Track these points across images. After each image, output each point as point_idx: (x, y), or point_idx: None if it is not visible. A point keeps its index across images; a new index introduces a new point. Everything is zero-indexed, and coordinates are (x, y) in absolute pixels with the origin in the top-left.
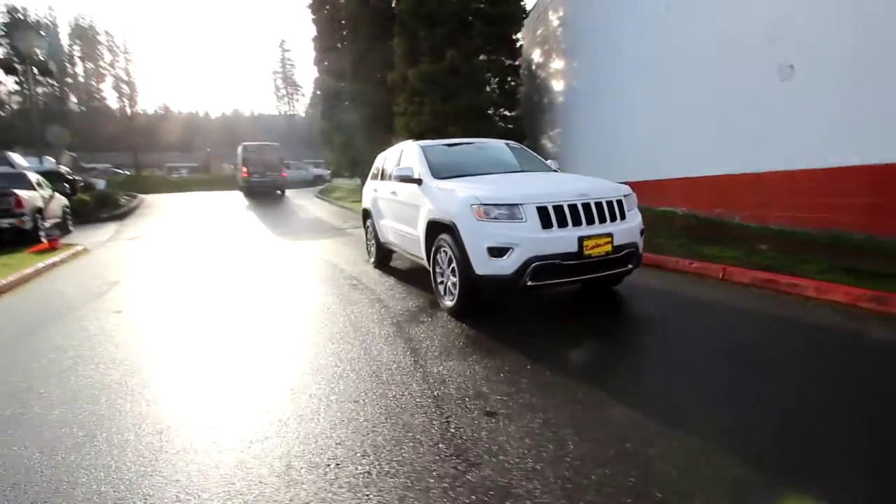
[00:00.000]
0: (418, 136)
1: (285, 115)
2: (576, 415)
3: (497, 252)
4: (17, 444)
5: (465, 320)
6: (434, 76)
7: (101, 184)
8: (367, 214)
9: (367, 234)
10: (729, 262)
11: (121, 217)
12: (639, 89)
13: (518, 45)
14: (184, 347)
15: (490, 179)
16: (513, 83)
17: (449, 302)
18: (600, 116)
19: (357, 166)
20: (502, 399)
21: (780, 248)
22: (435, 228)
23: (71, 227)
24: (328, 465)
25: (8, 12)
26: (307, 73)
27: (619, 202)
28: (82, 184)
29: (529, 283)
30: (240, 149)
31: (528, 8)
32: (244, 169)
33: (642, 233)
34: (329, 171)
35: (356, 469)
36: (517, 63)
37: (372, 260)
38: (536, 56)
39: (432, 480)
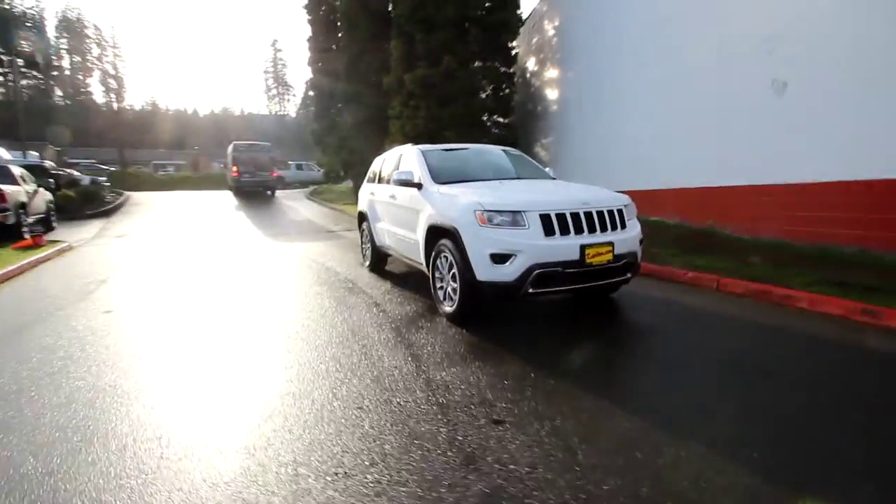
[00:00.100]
0: (413, 140)
1: (276, 115)
2: (583, 423)
3: (500, 258)
4: (9, 449)
5: (465, 326)
6: (430, 81)
7: (86, 179)
8: (363, 217)
9: (362, 237)
10: (722, 273)
11: (106, 214)
12: (632, 100)
13: (513, 52)
14: (178, 350)
15: (491, 185)
16: (507, 90)
17: (448, 308)
18: (594, 126)
19: (351, 168)
20: (508, 407)
21: (771, 261)
22: (435, 233)
23: (55, 224)
24: (336, 474)
25: None
26: (299, 74)
27: (620, 211)
28: (79, 177)
29: (531, 291)
30: (230, 148)
31: (524, 16)
32: (234, 168)
33: (641, 242)
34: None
35: (366, 478)
36: (512, 71)
37: (367, 263)
38: (531, 64)
39: (444, 490)
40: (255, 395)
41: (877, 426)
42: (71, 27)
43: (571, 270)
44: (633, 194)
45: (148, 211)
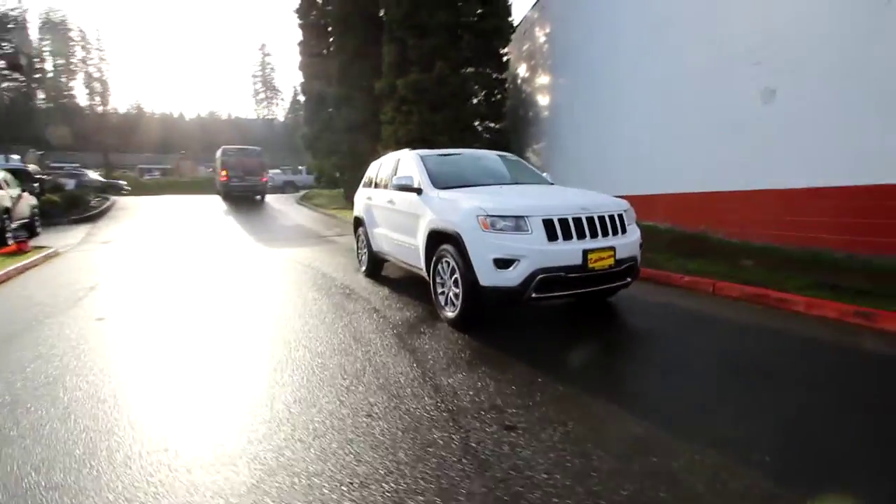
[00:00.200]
0: (406, 145)
1: (264, 119)
2: (595, 428)
3: (503, 263)
4: (8, 462)
5: (467, 331)
6: (422, 86)
7: (70, 184)
8: (358, 223)
9: (358, 242)
10: (717, 277)
11: (92, 219)
12: (624, 107)
13: (505, 59)
14: (178, 358)
15: (492, 191)
16: (499, 96)
17: (450, 313)
18: (585, 132)
19: (342, 173)
20: (519, 412)
21: (764, 265)
22: (436, 238)
23: (39, 229)
24: (352, 483)
25: None
26: (287, 78)
27: (620, 216)
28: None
29: (534, 296)
30: (219, 152)
31: (515, 24)
32: (223, 172)
33: (640, 247)
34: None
35: (382, 487)
36: (503, 76)
37: (363, 269)
38: (522, 70)
39: (462, 498)
40: (262, 404)
41: (879, 426)
42: (55, 29)
43: (574, 275)
44: (625, 199)
45: (135, 216)
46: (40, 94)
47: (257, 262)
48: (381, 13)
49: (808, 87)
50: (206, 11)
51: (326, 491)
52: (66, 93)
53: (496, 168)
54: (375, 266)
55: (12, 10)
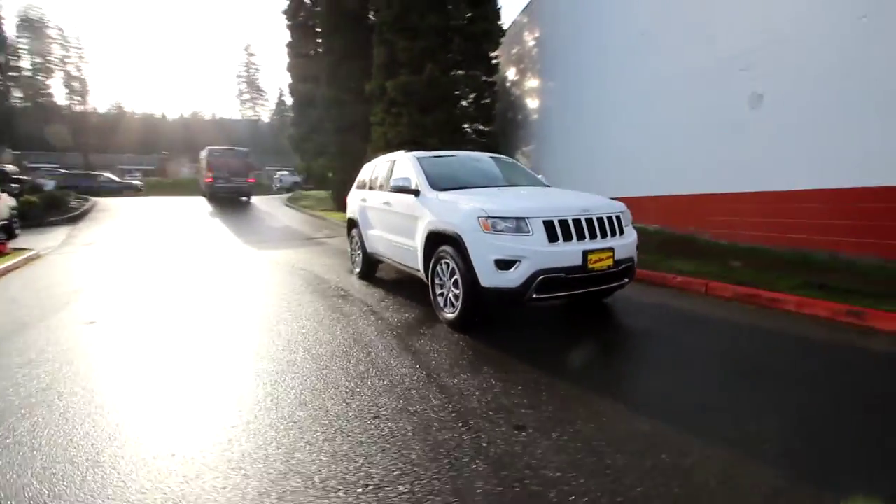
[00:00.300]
0: (397, 147)
1: (248, 119)
2: (603, 427)
3: (504, 264)
4: (8, 472)
5: (467, 332)
6: (412, 88)
7: (50, 185)
8: (352, 224)
9: (351, 244)
10: (708, 278)
11: (72, 221)
12: (614, 110)
13: (494, 62)
14: (175, 362)
15: (490, 192)
16: (489, 99)
17: (450, 314)
18: (575, 135)
19: (331, 174)
20: (526, 412)
21: (752, 265)
22: (435, 240)
23: (17, 231)
24: (367, 486)
25: None
26: (272, 79)
27: (618, 218)
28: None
29: (535, 296)
30: (204, 152)
31: (505, 27)
32: (208, 173)
33: (637, 248)
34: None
35: (397, 489)
36: (493, 80)
37: (357, 270)
38: (511, 74)
39: (480, 498)
40: (267, 407)
41: (878, 422)
42: (32, 27)
43: (574, 276)
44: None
45: (117, 217)
46: (17, 93)
47: (247, 265)
48: (371, 15)
49: (792, 92)
50: (188, 10)
51: (342, 493)
52: (43, 91)
53: (492, 170)
54: (370, 268)
55: None
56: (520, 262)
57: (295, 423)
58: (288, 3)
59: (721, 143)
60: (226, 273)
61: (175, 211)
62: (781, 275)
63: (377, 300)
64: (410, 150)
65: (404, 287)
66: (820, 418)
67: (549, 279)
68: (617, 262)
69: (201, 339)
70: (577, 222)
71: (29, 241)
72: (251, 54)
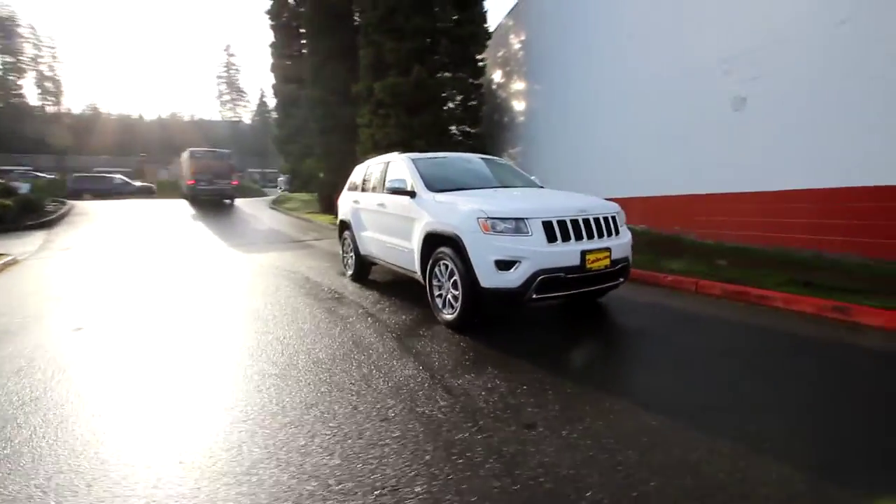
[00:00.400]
0: (385, 149)
1: (229, 121)
2: (611, 424)
3: (504, 265)
4: (10, 483)
5: (466, 333)
6: (400, 90)
7: (24, 187)
8: (344, 226)
9: (343, 246)
10: (697, 276)
11: (48, 225)
12: (599, 111)
13: (481, 64)
14: (171, 368)
15: (487, 194)
16: (475, 101)
17: (448, 315)
18: (561, 136)
19: (316, 176)
20: (535, 411)
21: (738, 264)
22: (433, 241)
23: None
24: (384, 488)
25: None
26: (253, 79)
27: (614, 218)
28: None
29: (535, 296)
30: (185, 154)
31: (491, 30)
32: (190, 175)
33: (631, 248)
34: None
35: (415, 490)
36: (480, 82)
37: (350, 273)
38: (497, 76)
39: (498, 496)
40: (273, 412)
41: (876, 414)
42: (2, 25)
43: (573, 276)
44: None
45: (95, 221)
46: None
47: (235, 268)
48: (356, 16)
49: (775, 95)
50: (165, 8)
51: (360, 495)
52: (15, 92)
53: (486, 171)
54: (363, 270)
55: None
56: (520, 262)
57: (303, 427)
58: (271, 3)
59: (706, 144)
60: (214, 277)
61: (155, 214)
62: (767, 273)
63: (372, 302)
64: (402, 152)
65: (398, 289)
66: (818, 411)
67: (548, 279)
68: (613, 262)
69: (195, 345)
70: (574, 223)
71: (4, 245)
72: (231, 55)
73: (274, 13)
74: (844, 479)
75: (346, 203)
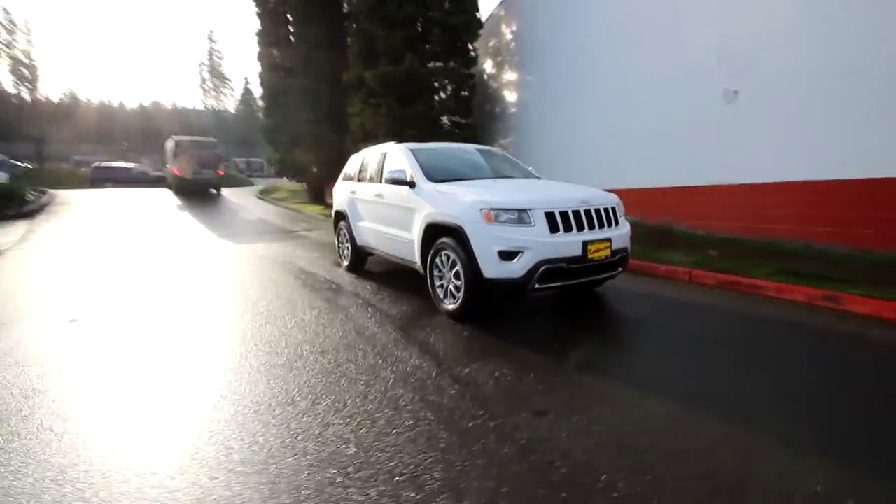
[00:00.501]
0: (376, 138)
1: (212, 109)
2: (620, 410)
3: (507, 255)
4: (26, 475)
5: (468, 323)
6: (392, 79)
7: (2, 177)
8: (340, 217)
9: (339, 236)
10: (690, 267)
11: (30, 215)
12: (591, 102)
13: (472, 54)
14: (174, 360)
15: (487, 184)
16: (467, 91)
17: (450, 305)
18: (553, 127)
19: (305, 166)
20: (543, 398)
21: (728, 254)
22: (434, 231)
23: None
24: (402, 474)
25: None
26: (237, 67)
27: (614, 209)
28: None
29: (537, 286)
30: (170, 143)
31: (483, 19)
32: (175, 165)
33: (630, 238)
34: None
35: (434, 476)
36: (471, 72)
37: (345, 263)
38: (488, 66)
39: (517, 480)
40: (284, 402)
41: (875, 403)
42: None
43: (575, 266)
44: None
45: (77, 211)
46: None
47: (228, 259)
48: (345, 2)
49: (764, 88)
50: None
51: (381, 482)
52: None
53: (484, 162)
54: (359, 260)
55: None
56: (523, 252)
57: (316, 417)
58: None
59: (697, 136)
60: (206, 269)
61: (140, 204)
62: (757, 263)
63: (371, 292)
64: (399, 141)
65: (395, 279)
66: (818, 396)
67: (550, 269)
68: (614, 252)
69: (196, 337)
70: (576, 213)
71: None
72: (214, 41)
73: (260, 0)
74: (845, 460)
75: (342, 193)
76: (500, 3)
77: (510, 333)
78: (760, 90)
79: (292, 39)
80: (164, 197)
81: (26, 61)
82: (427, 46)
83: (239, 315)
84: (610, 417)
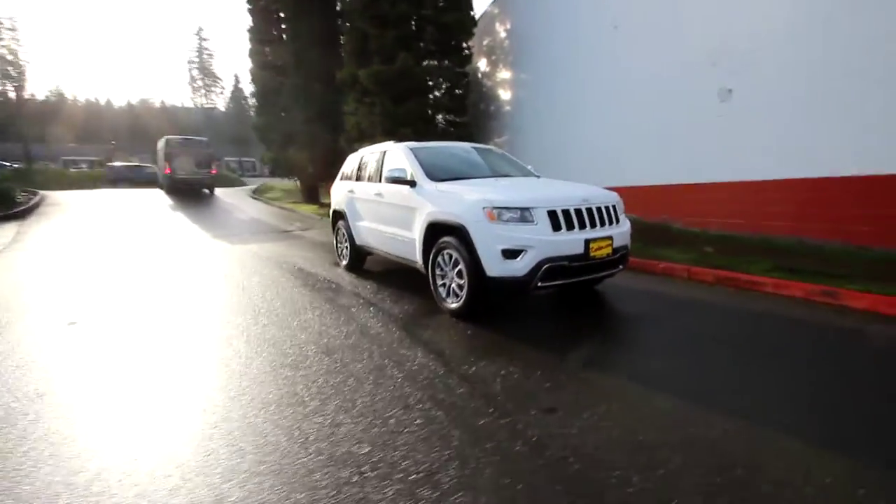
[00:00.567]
0: (371, 138)
1: (202, 108)
2: (628, 407)
3: (511, 254)
4: (40, 475)
5: (471, 322)
6: (386, 77)
7: None
8: (338, 216)
9: (337, 236)
10: (688, 263)
11: (19, 216)
12: (586, 100)
13: (466, 52)
14: (179, 362)
15: (489, 183)
16: (462, 90)
17: (453, 304)
18: (548, 126)
19: (299, 165)
20: (552, 395)
21: (724, 251)
22: (436, 230)
23: None
24: (418, 472)
25: None
26: (227, 65)
27: (615, 207)
28: None
29: (540, 285)
30: (161, 142)
31: (477, 17)
32: (167, 165)
33: (630, 236)
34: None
35: (449, 473)
36: (466, 70)
37: (344, 263)
38: (482, 65)
39: (531, 476)
40: (293, 403)
41: (875, 394)
42: None
43: (577, 264)
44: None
45: (68, 212)
46: None
47: (224, 259)
48: (337, 0)
49: (763, 87)
50: None
51: (397, 479)
52: None
53: (483, 161)
54: (358, 260)
55: None
56: (526, 251)
57: (326, 416)
58: None
59: (692, 134)
60: (203, 268)
61: (131, 204)
62: (753, 259)
63: (371, 292)
64: (396, 140)
65: (394, 278)
66: (821, 390)
67: (553, 267)
68: (615, 250)
69: (197, 338)
70: (578, 212)
71: None
72: (204, 39)
73: None
74: (850, 452)
75: (340, 192)
76: (494, 2)
77: (513, 331)
78: (759, 89)
79: (284, 37)
80: (157, 197)
81: (12, 59)
82: (421, 45)
83: (240, 316)
84: (618, 414)
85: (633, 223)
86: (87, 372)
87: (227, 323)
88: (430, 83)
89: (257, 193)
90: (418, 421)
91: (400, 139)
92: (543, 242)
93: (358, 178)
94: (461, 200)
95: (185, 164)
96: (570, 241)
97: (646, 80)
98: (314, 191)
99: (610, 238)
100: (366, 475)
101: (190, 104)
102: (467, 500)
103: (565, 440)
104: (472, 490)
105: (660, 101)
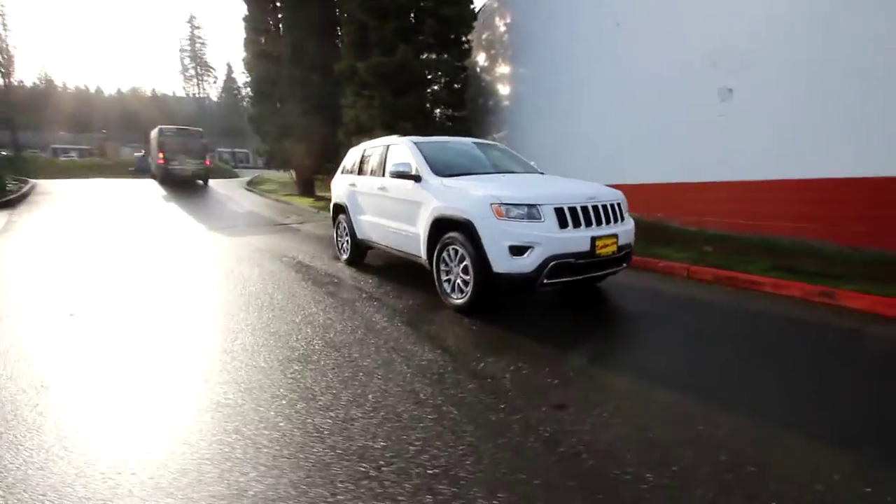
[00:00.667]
0: (370, 131)
1: (194, 97)
2: (637, 403)
3: (518, 250)
4: (41, 493)
5: (476, 318)
6: (385, 70)
7: None
8: (339, 210)
9: (337, 230)
10: (687, 262)
11: (9, 205)
12: (586, 97)
13: (466, 46)
14: (184, 355)
15: (494, 179)
16: (461, 84)
17: (458, 300)
18: (547, 122)
19: (295, 157)
20: (562, 391)
21: (723, 250)
22: (442, 226)
23: None
24: (435, 467)
25: None
26: (220, 54)
27: (619, 205)
28: None
29: (546, 281)
30: (154, 132)
31: (476, 10)
32: (160, 155)
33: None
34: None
35: (467, 469)
36: (465, 64)
37: (345, 257)
38: (481, 59)
39: (547, 474)
40: (306, 397)
41: (876, 392)
42: None
43: (583, 261)
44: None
45: (58, 201)
46: None
47: (222, 252)
48: None
49: (763, 87)
50: None
51: (415, 475)
52: None
53: (487, 156)
54: (359, 254)
55: None
56: (533, 248)
57: (339, 411)
58: None
59: (692, 133)
60: (201, 260)
61: (123, 194)
62: (751, 259)
63: (374, 286)
64: (403, 135)
65: (396, 272)
66: (822, 389)
67: (559, 264)
68: (620, 248)
69: (201, 331)
70: (584, 209)
71: None
72: (196, 27)
73: None
74: (854, 449)
75: (341, 186)
76: None
77: (518, 327)
78: (760, 89)
79: (281, 26)
80: (150, 188)
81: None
82: (420, 38)
83: (243, 310)
84: (628, 410)
85: (637, 222)
86: (90, 364)
87: (232, 316)
88: (429, 77)
89: (252, 185)
90: (431, 416)
91: (399, 133)
92: (550, 239)
93: (360, 172)
94: (468, 196)
95: (179, 154)
96: (577, 239)
97: (646, 78)
98: (310, 184)
99: (615, 236)
100: (383, 469)
101: (182, 93)
102: (484, 495)
103: (578, 437)
104: (489, 485)
105: (660, 99)
